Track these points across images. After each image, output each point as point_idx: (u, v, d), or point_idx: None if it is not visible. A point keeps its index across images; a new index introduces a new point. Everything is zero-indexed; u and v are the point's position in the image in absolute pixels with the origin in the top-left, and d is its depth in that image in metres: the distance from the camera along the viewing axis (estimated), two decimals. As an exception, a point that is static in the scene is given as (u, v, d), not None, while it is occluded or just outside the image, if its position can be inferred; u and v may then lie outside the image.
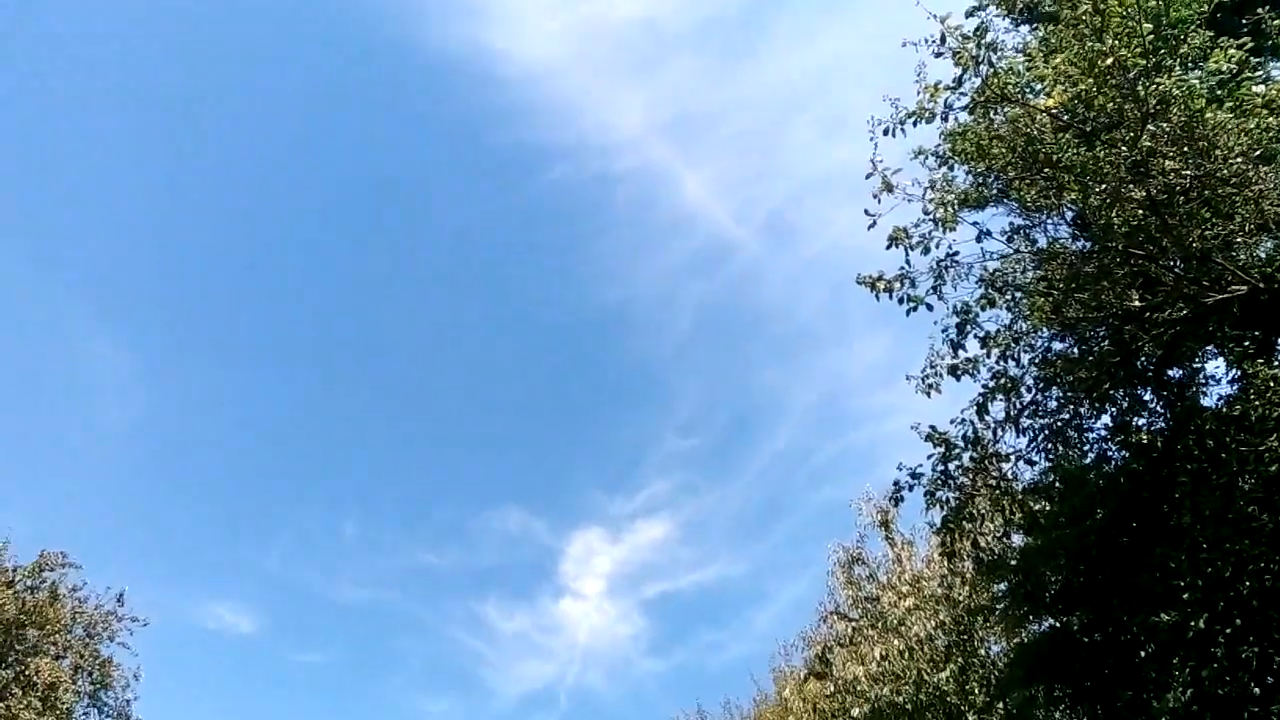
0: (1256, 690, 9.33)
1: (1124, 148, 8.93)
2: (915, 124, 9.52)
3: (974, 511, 10.99)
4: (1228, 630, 9.55)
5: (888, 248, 10.35)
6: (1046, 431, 10.91)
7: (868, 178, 10.20)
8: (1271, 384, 9.69)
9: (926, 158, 10.53)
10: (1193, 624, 9.81)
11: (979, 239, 10.36)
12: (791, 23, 45.88)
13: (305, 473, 72.44)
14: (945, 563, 14.06)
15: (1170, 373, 12.19)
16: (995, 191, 10.76)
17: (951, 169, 10.42)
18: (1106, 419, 11.38)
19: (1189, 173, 8.72)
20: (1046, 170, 9.78)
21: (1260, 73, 8.85)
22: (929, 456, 10.79)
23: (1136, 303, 10.08)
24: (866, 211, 10.20)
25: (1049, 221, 10.29)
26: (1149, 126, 8.47)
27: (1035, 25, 12.49)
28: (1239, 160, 8.56)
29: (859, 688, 14.19)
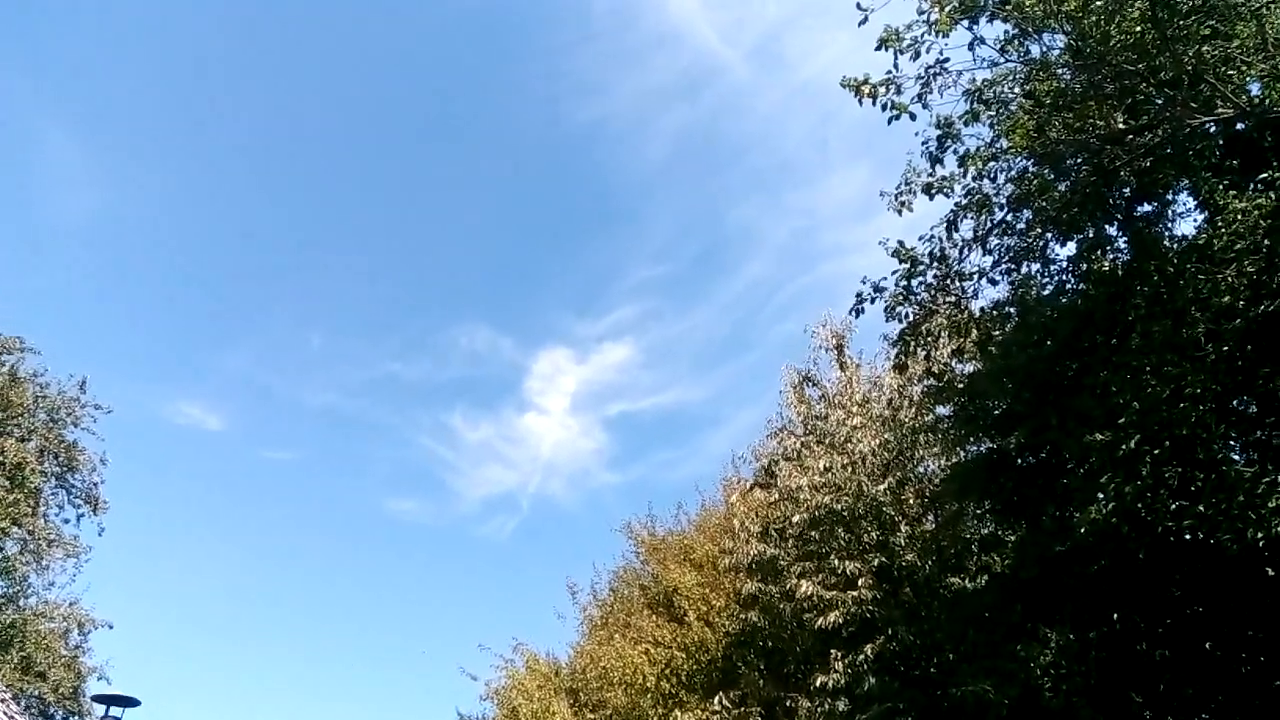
0: (1174, 506, 9.86)
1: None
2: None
3: (931, 328, 11.14)
4: (1155, 451, 9.97)
5: (877, 49, 9.88)
6: (1012, 253, 10.92)
7: (862, -34, 9.60)
8: (1239, 215, 9.70)
9: (927, -50, 9.86)
10: (1124, 445, 10.22)
11: (971, 46, 9.92)
12: None
13: (271, 280, 71.60)
14: (896, 376, 14.44)
15: (1140, 208, 12.18)
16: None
17: (951, -37, 9.80)
18: (1072, 247, 11.42)
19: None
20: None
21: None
22: (893, 272, 10.81)
23: (1120, 125, 9.86)
24: (859, 5, 9.65)
25: (1046, 31, 9.83)
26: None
27: None
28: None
29: (800, 497, 14.87)
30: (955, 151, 10.55)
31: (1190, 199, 11.39)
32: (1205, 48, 8.57)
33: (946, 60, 9.92)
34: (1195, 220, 11.59)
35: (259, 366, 69.48)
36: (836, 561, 14.20)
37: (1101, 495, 11.10)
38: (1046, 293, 12.15)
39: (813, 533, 14.96)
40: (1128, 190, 11.50)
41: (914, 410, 14.80)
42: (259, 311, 72.55)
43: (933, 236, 10.65)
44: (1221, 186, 9.99)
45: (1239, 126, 9.43)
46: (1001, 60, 10.13)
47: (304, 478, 70.53)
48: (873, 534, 14.53)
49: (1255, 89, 9.61)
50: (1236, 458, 10.81)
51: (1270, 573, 10.15)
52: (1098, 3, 8.86)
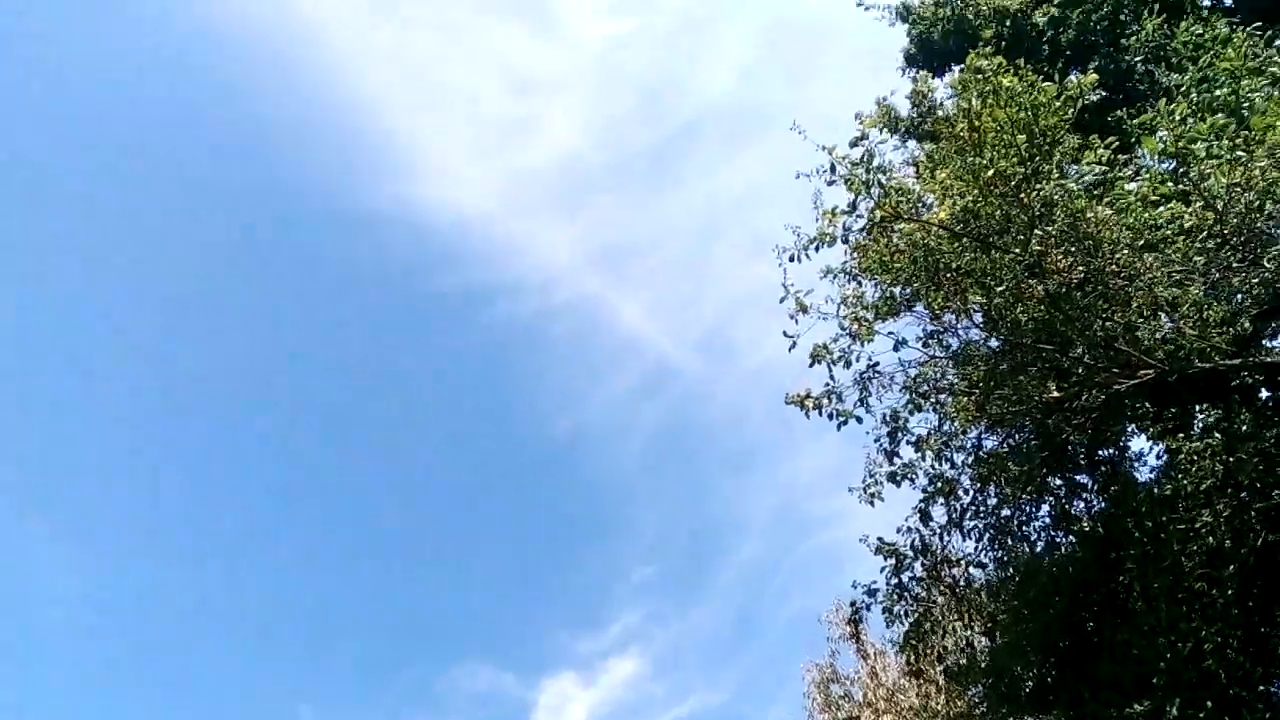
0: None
1: (1017, 250, 9.33)
2: (818, 248, 9.84)
3: (935, 623, 10.84)
4: (1201, 715, 9.41)
5: (810, 365, 10.49)
6: (991, 531, 10.94)
7: (781, 301, 10.42)
8: (1195, 458, 9.95)
9: (835, 275, 10.83)
10: (1167, 709, 9.66)
11: (896, 348, 10.59)
12: (702, 155, 48.20)
13: (252, 660, 68.29)
14: (916, 677, 13.75)
15: (1101, 453, 12.45)
16: (905, 301, 11.06)
17: (860, 284, 10.72)
18: (1046, 508, 11.50)
19: (1081, 268, 9.11)
20: (949, 277, 10.15)
21: (1129, 170, 9.40)
22: (881, 570, 10.70)
23: (1055, 393, 10.32)
24: (785, 333, 10.37)
25: (959, 326, 10.58)
26: (1036, 230, 8.88)
27: (921, 140, 13.26)
28: (1125, 252, 8.98)
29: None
30: (908, 440, 10.89)
31: (1145, 440, 11.72)
32: (1108, 322, 9.21)
33: (877, 365, 10.54)
34: (1158, 453, 11.85)
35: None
36: None
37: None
38: (1038, 550, 12.04)
39: None
40: (1084, 442, 11.83)
41: (944, 696, 13.99)
42: (241, 698, 68.49)
43: (909, 528, 10.71)
44: (1169, 431, 10.36)
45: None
46: (926, 354, 10.79)
47: None
48: None
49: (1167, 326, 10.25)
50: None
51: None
52: (998, 297, 9.60)
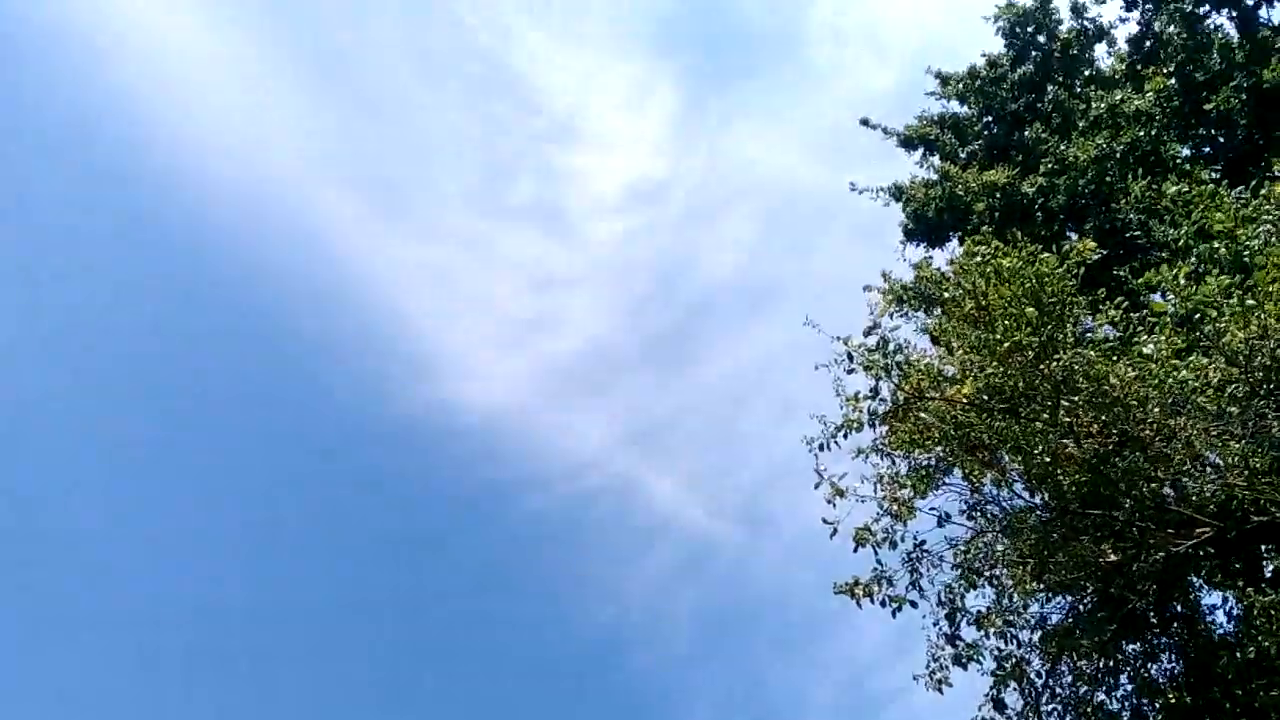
0: None
1: (1046, 416, 9.32)
2: (846, 435, 9.89)
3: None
4: None
5: (854, 550, 10.28)
6: (1071, 712, 10.30)
7: (816, 487, 10.36)
8: (1271, 612, 9.46)
9: (868, 455, 10.81)
10: None
11: (940, 524, 10.39)
12: (720, 329, 49.64)
13: None
14: None
15: (1172, 607, 11.87)
16: (941, 471, 10.95)
17: (894, 462, 10.67)
18: (1125, 677, 10.85)
19: (1115, 431, 9.05)
20: (981, 445, 10.09)
21: (1143, 328, 9.50)
22: (963, 769, 9.99)
23: (1113, 556, 9.99)
24: (825, 520, 10.24)
25: (1001, 495, 10.42)
26: (1063, 400, 8.90)
27: (930, 309, 13.57)
28: (1155, 411, 8.94)
29: None
30: (967, 620, 10.46)
31: (1215, 594, 11.19)
32: (1152, 482, 9.05)
33: (923, 543, 10.32)
34: (1229, 609, 11.26)
35: None
36: None
37: None
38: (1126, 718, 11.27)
39: None
40: (1152, 603, 11.31)
41: None
42: None
43: (985, 718, 10.08)
44: (1237, 584, 9.91)
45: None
46: (973, 527, 10.56)
47: None
48: None
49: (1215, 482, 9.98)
50: None
51: None
52: (1035, 465, 9.49)
